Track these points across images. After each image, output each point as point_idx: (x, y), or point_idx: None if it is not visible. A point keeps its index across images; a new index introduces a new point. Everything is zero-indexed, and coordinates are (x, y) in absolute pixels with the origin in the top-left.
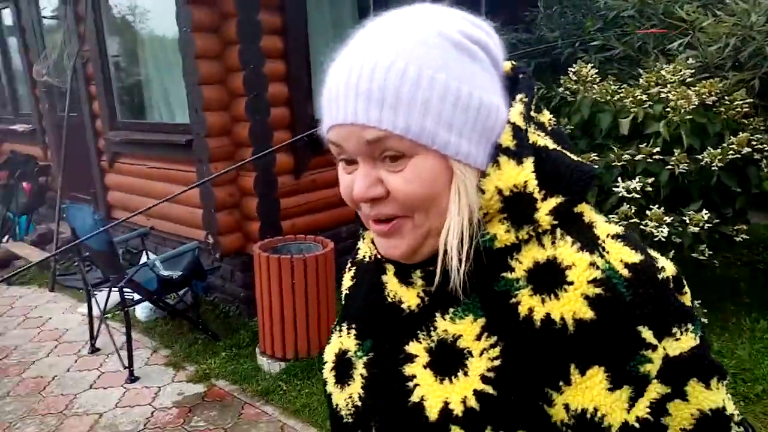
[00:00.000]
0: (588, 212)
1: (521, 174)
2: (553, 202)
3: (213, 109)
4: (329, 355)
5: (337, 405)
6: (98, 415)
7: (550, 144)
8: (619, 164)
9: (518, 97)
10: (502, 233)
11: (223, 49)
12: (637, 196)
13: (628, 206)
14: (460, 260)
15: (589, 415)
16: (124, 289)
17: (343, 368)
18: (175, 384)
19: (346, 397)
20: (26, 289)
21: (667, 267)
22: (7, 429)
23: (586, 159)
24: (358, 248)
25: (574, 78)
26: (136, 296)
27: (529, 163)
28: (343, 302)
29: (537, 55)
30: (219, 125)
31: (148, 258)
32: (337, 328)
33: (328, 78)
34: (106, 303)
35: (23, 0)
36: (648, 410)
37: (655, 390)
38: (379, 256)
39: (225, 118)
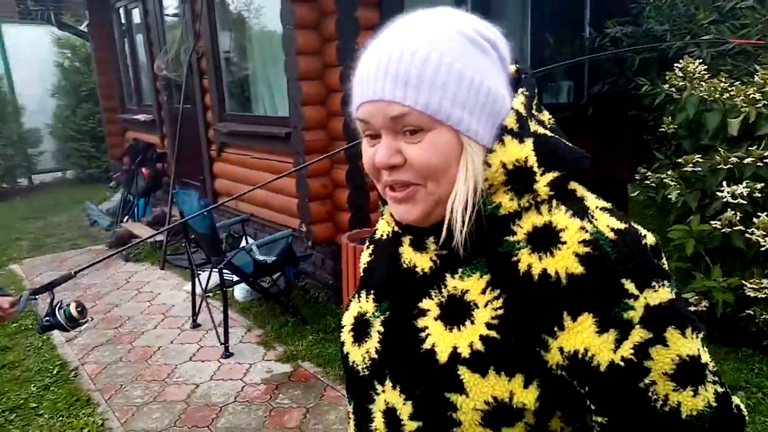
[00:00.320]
0: (580, 189)
1: (523, 150)
2: (551, 176)
3: (311, 104)
4: (348, 319)
5: (353, 362)
6: (195, 385)
7: (549, 134)
8: (725, 167)
9: (520, 90)
10: (507, 201)
11: (323, 45)
12: (744, 202)
13: (732, 212)
14: (463, 222)
15: (580, 356)
16: (224, 271)
17: (361, 328)
18: (264, 362)
19: (363, 352)
20: (140, 266)
21: (649, 237)
22: (119, 390)
23: (690, 161)
24: (376, 228)
25: (681, 74)
26: (235, 278)
27: (529, 143)
28: (361, 275)
29: (642, 50)
30: (316, 119)
31: (247, 243)
32: (356, 297)
33: (359, 63)
34: (207, 282)
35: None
36: (632, 351)
37: (638, 334)
38: (396, 229)
39: (321, 112)
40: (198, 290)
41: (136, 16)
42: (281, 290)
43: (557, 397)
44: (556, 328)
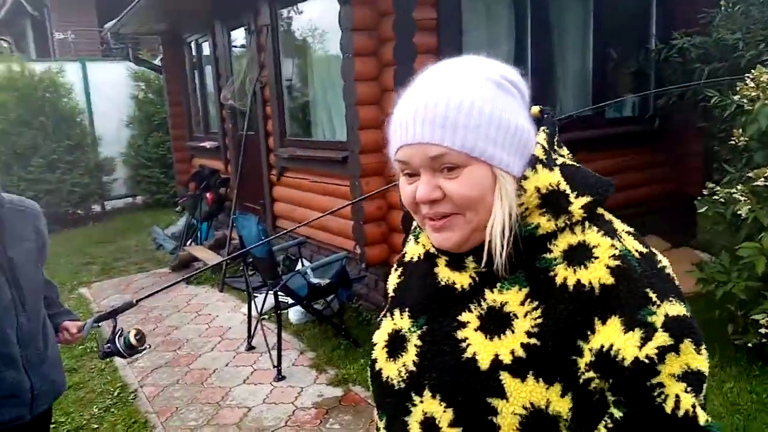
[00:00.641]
0: (607, 214)
1: (554, 176)
2: (584, 200)
3: (368, 128)
4: (380, 337)
5: (388, 377)
6: (247, 409)
7: (576, 164)
8: None
9: (542, 128)
10: (544, 222)
11: (380, 71)
12: None
13: None
14: (502, 245)
15: (605, 350)
16: (279, 294)
17: (396, 344)
18: (316, 386)
19: (399, 366)
20: (201, 289)
21: (665, 261)
22: (174, 413)
23: (761, 174)
24: (405, 252)
25: (753, 84)
26: (290, 300)
27: (557, 170)
28: (390, 295)
29: (712, 59)
30: (372, 143)
31: (302, 265)
32: (387, 316)
33: (396, 111)
34: (263, 305)
35: (218, 33)
36: (656, 351)
37: (662, 338)
38: (432, 251)
39: (378, 136)
40: (254, 313)
41: (206, 49)
42: (334, 312)
43: (589, 410)
44: (588, 332)
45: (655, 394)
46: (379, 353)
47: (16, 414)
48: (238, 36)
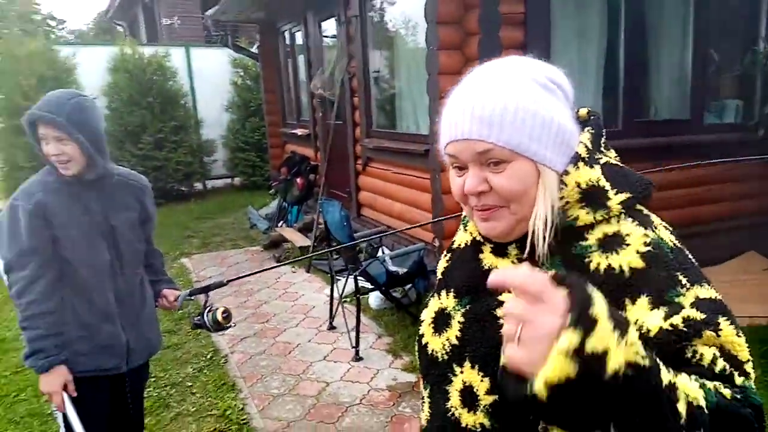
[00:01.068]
0: (646, 211)
1: (594, 173)
2: (622, 196)
3: None
4: (427, 314)
5: (433, 350)
6: (326, 383)
7: (619, 164)
8: None
9: (587, 129)
10: (584, 215)
11: (465, 65)
12: None
13: None
14: (544, 237)
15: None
16: (359, 278)
17: (441, 320)
18: (391, 369)
19: (443, 341)
20: (289, 268)
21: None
22: (259, 380)
23: None
24: (454, 240)
25: None
26: (369, 285)
27: (598, 168)
28: (438, 278)
29: None
30: None
31: (383, 253)
32: (434, 296)
33: (447, 109)
34: (344, 288)
35: (310, 23)
36: (682, 321)
37: (689, 313)
38: (478, 238)
39: None
40: (336, 295)
41: (299, 38)
42: (412, 301)
43: None
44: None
45: (689, 354)
46: (426, 329)
47: (113, 363)
48: (329, 26)
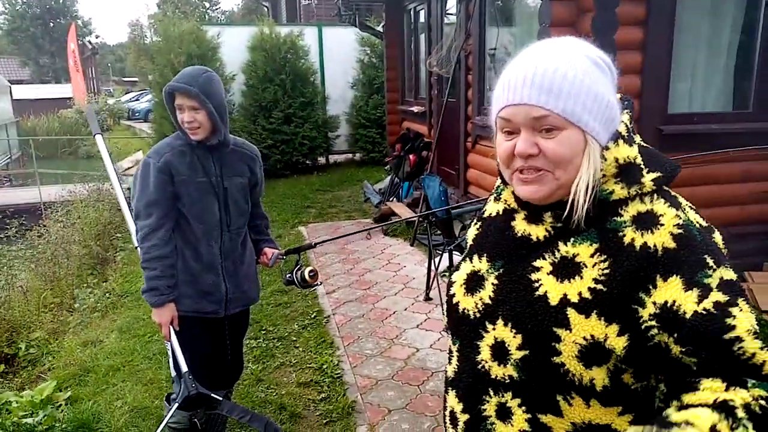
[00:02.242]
0: (673, 192)
1: (632, 151)
2: (655, 174)
3: None
4: (460, 276)
5: (465, 308)
6: (416, 349)
7: (649, 146)
8: None
9: (625, 110)
10: (618, 189)
11: (578, 17)
12: None
13: None
14: (584, 201)
15: (668, 305)
16: (454, 252)
17: (474, 282)
18: None
19: (476, 300)
20: (395, 240)
21: (718, 237)
22: (355, 341)
23: None
24: (485, 210)
25: None
26: None
27: (635, 146)
28: (469, 244)
29: None
30: None
31: None
32: (466, 260)
33: (505, 74)
34: (439, 262)
35: (434, 1)
36: (713, 306)
37: (718, 296)
38: (512, 206)
39: None
40: (434, 268)
41: (422, 16)
42: None
43: (638, 352)
44: (650, 287)
45: (726, 338)
46: (458, 289)
47: (212, 309)
48: (451, 4)
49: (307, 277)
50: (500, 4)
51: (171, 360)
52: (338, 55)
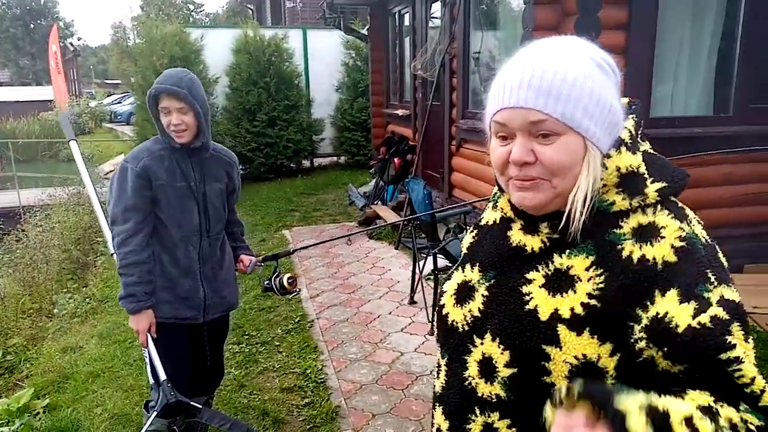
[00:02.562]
0: (680, 203)
1: (635, 159)
2: (659, 185)
3: None
4: (451, 286)
5: (453, 320)
6: (400, 353)
7: (656, 154)
8: None
9: (631, 115)
10: (619, 200)
11: (561, 22)
12: None
13: None
14: (581, 212)
15: (660, 317)
16: (438, 256)
17: (464, 293)
18: None
19: (465, 312)
20: (380, 244)
21: (723, 259)
22: (339, 345)
23: None
24: (482, 218)
25: None
26: (448, 264)
27: (639, 155)
28: (463, 252)
29: None
30: None
31: (465, 232)
32: (459, 269)
33: (501, 75)
34: (423, 265)
35: (418, 4)
36: (710, 320)
37: (717, 311)
38: (508, 215)
39: None
40: (418, 271)
41: (407, 20)
42: None
43: (629, 370)
44: (648, 303)
45: (723, 358)
46: (448, 300)
47: (191, 314)
48: (436, 8)
49: (285, 284)
50: (484, 8)
51: (149, 367)
52: (323, 58)
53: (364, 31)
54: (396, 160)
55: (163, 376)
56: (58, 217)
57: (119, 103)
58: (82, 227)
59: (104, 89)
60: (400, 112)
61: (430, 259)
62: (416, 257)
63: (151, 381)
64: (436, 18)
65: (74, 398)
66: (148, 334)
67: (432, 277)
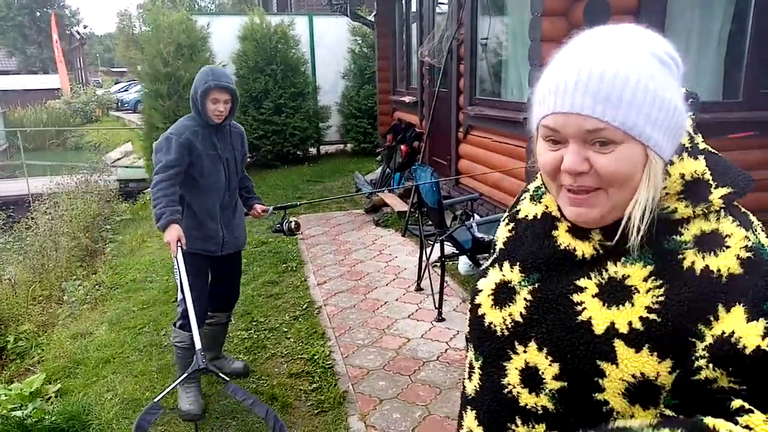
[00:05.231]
0: (743, 209)
1: (699, 165)
2: (724, 190)
3: None
4: (487, 284)
5: (491, 323)
6: (407, 339)
7: (718, 154)
8: None
9: (689, 114)
10: (682, 208)
11: (568, 32)
12: None
13: None
14: (639, 228)
15: (726, 336)
16: (445, 243)
17: (504, 294)
18: None
19: (505, 315)
20: (386, 231)
21: None
22: (347, 331)
23: None
24: (518, 209)
25: None
26: (455, 250)
27: (702, 159)
28: (499, 247)
29: None
30: None
31: (472, 220)
32: (495, 266)
33: (550, 75)
34: (430, 252)
35: None
36: None
37: None
38: (554, 214)
39: None
40: (430, 259)
41: (414, 6)
42: None
43: (686, 388)
44: (712, 318)
45: None
46: (485, 299)
47: (213, 248)
48: None
49: (292, 227)
50: None
51: (178, 280)
52: (329, 45)
53: (371, 18)
54: (403, 147)
55: (198, 345)
56: (67, 205)
57: (126, 91)
58: (91, 215)
59: (111, 77)
60: (407, 99)
61: (437, 246)
62: (423, 244)
63: (179, 297)
64: (443, 4)
65: (85, 383)
66: (179, 249)
67: (439, 264)
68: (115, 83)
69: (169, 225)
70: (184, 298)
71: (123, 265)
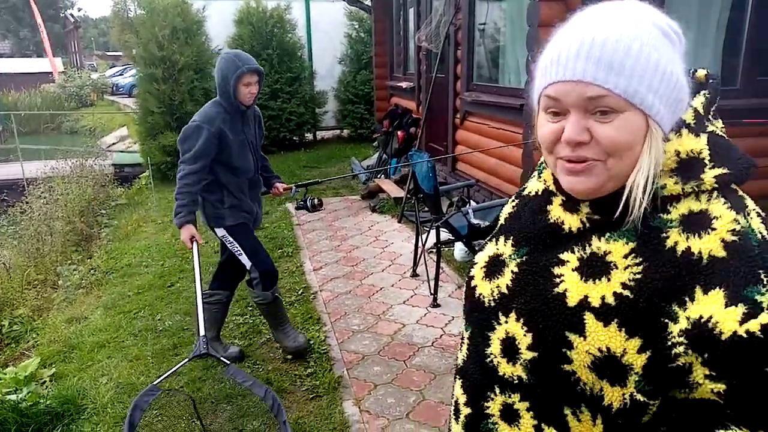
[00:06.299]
0: (742, 192)
1: (698, 143)
2: (719, 171)
3: None
4: (482, 258)
5: (480, 294)
6: (402, 325)
7: (725, 137)
8: None
9: (703, 92)
10: (671, 184)
11: (566, 17)
12: None
13: None
14: (641, 199)
15: (703, 321)
16: (441, 229)
17: (495, 266)
18: None
19: (493, 287)
20: (382, 217)
21: None
22: (342, 317)
23: None
24: (525, 187)
25: None
26: (451, 236)
27: (704, 138)
28: (500, 223)
29: None
30: None
31: (468, 206)
32: (492, 240)
33: (553, 45)
34: (426, 238)
35: None
36: (760, 329)
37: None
38: (550, 188)
39: None
40: (421, 244)
41: None
42: None
43: (657, 374)
44: (687, 300)
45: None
46: (477, 272)
47: (249, 221)
48: None
49: (316, 203)
50: None
51: (234, 250)
52: (326, 29)
53: (368, 2)
54: (399, 133)
55: (203, 332)
56: (62, 189)
57: (121, 75)
58: (86, 199)
59: (106, 61)
60: (403, 84)
61: (432, 232)
62: (419, 230)
63: (248, 265)
64: None
65: (80, 368)
66: (194, 243)
67: (435, 250)
68: (110, 67)
69: (182, 226)
70: (253, 265)
71: (118, 249)
